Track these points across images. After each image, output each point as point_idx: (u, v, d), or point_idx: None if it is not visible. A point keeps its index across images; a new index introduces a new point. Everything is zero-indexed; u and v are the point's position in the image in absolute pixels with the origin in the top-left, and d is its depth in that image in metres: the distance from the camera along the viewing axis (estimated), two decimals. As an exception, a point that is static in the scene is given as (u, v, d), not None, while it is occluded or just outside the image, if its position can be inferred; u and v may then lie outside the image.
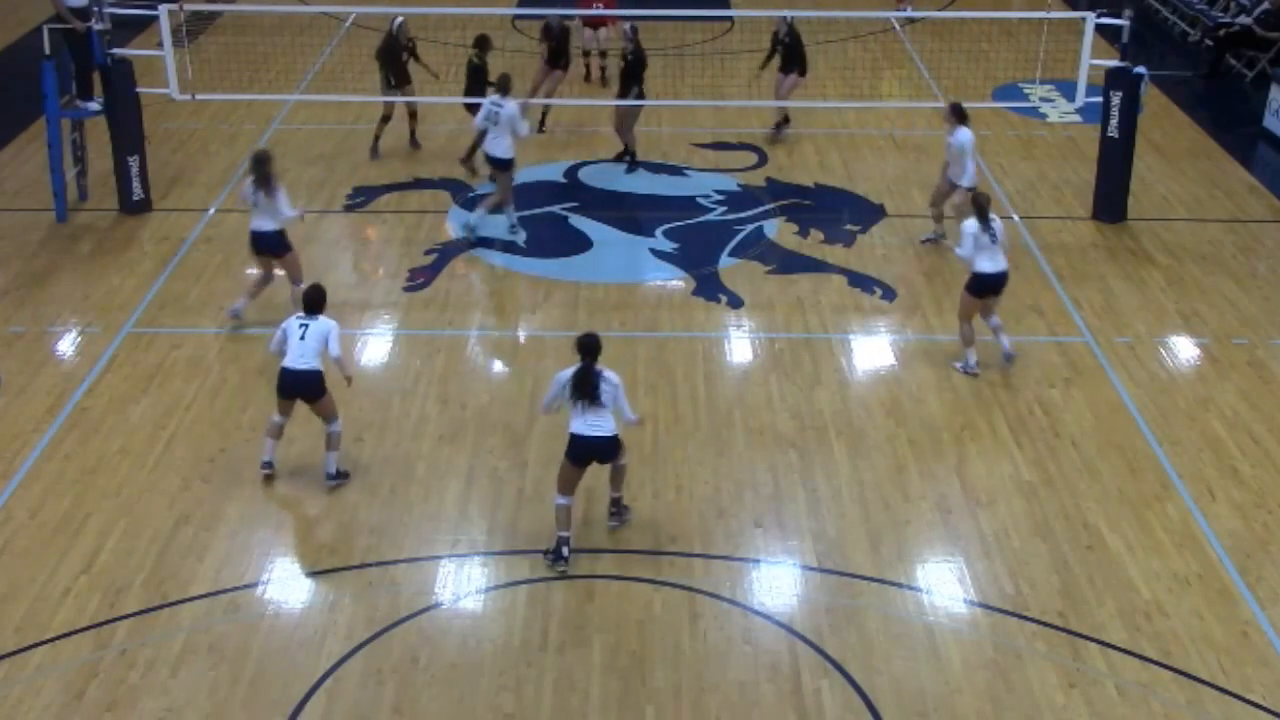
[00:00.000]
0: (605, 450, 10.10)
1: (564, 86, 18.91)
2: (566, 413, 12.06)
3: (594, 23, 20.23)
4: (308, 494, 11.08)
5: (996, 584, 10.10)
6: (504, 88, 15.27)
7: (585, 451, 10.06)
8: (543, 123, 18.63)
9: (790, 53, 18.18)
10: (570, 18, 19.23)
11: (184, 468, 11.39)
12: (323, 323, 11.02)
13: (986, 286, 12.66)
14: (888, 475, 11.39)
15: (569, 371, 10.04)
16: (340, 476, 11.18)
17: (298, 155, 17.84)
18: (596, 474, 11.27)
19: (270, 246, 13.37)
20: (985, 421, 12.14)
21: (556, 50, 18.43)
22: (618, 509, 10.66)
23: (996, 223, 12.54)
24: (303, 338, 10.96)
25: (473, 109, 16.41)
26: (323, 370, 11.02)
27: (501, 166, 15.22)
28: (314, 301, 11.14)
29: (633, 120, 17.31)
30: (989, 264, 12.55)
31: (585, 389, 9.91)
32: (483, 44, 17.16)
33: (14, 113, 18.60)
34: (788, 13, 18.24)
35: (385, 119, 17.59)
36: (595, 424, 9.98)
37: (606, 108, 18.10)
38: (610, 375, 10.04)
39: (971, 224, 12.51)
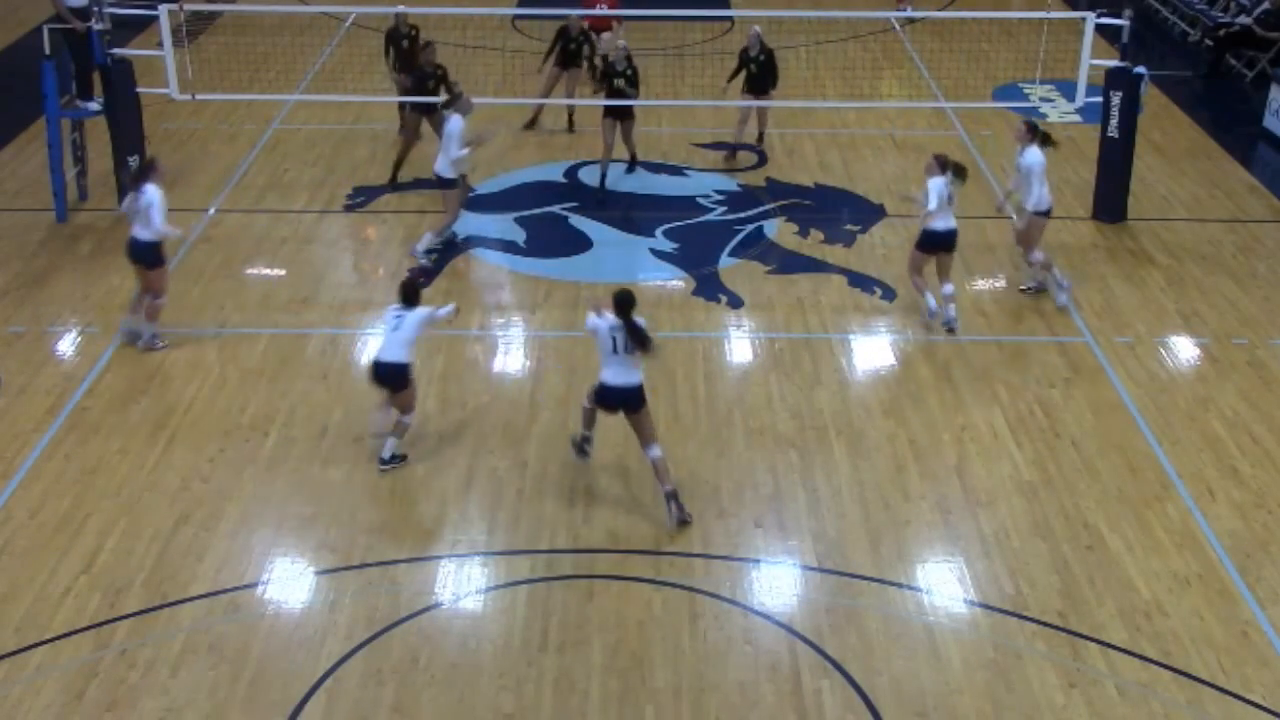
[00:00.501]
0: (633, 399, 10.66)
1: (564, 87, 18.87)
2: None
3: (599, 25, 20.21)
4: (308, 494, 11.08)
5: (996, 584, 10.10)
6: (451, 102, 14.94)
7: (616, 400, 10.71)
8: (571, 123, 18.76)
9: (764, 71, 17.31)
10: (581, 17, 19.18)
11: (184, 468, 11.39)
12: (417, 313, 11.24)
13: (937, 243, 13.31)
14: (888, 475, 11.39)
15: (606, 326, 10.55)
16: (395, 460, 11.32)
17: (298, 155, 17.85)
18: (595, 474, 11.30)
19: (139, 256, 12.78)
20: (985, 421, 12.15)
21: (574, 52, 18.30)
22: (675, 502, 10.66)
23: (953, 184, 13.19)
24: (396, 329, 11.17)
25: (420, 108, 16.54)
26: (410, 363, 11.19)
27: (443, 185, 14.83)
28: (410, 293, 11.33)
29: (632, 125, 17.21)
30: (941, 222, 13.19)
31: (640, 340, 10.47)
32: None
33: (14, 113, 18.61)
34: (756, 27, 17.53)
35: (409, 144, 16.95)
36: (627, 374, 10.58)
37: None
38: (645, 324, 10.63)
39: (939, 181, 13.12)
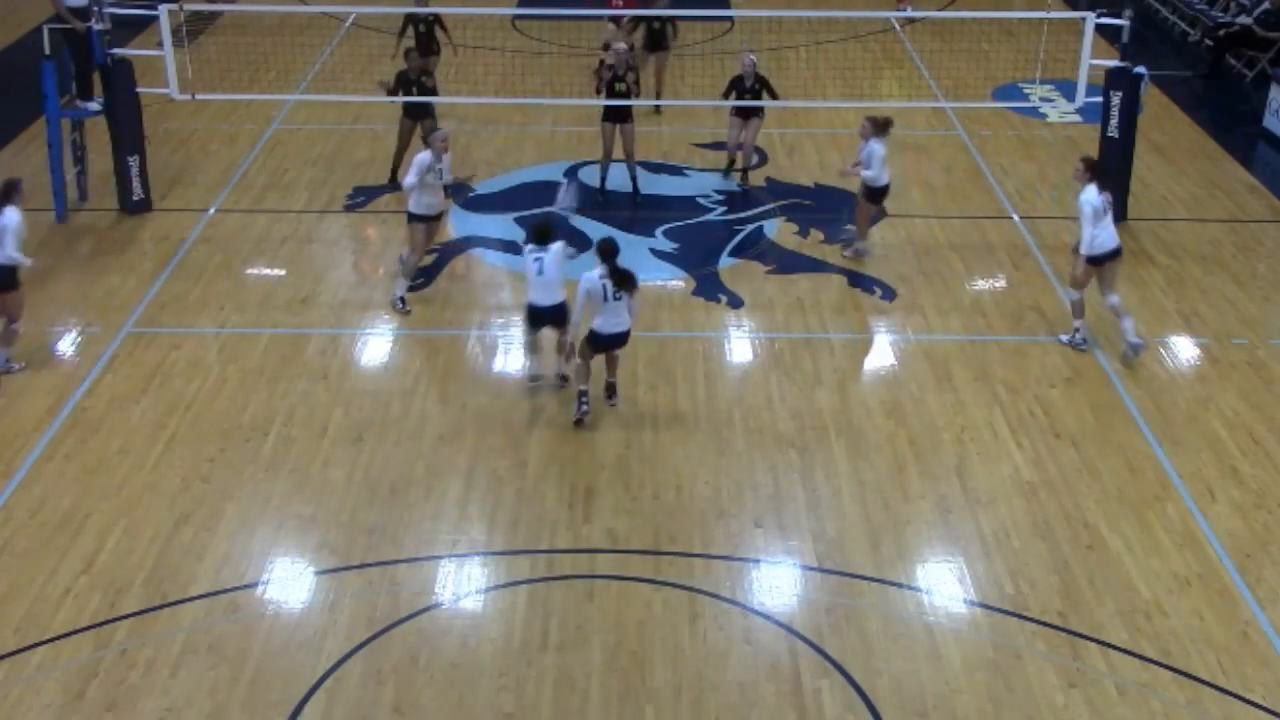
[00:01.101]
0: (624, 340, 11.80)
1: (565, 86, 18.91)
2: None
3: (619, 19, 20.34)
4: (308, 494, 11.08)
5: (996, 584, 10.10)
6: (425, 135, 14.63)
7: (608, 343, 11.75)
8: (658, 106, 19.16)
9: (757, 98, 16.72)
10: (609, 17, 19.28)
11: (184, 468, 11.39)
12: (553, 250, 11.92)
13: (884, 196, 14.82)
14: (888, 475, 11.39)
15: (595, 274, 11.41)
16: (586, 406, 12.00)
17: (298, 155, 17.85)
18: (594, 474, 11.30)
19: None
20: (985, 421, 12.15)
21: (659, 33, 18.74)
22: (612, 392, 12.17)
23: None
24: (540, 272, 11.87)
25: (410, 111, 16.38)
26: (566, 299, 11.93)
27: (410, 218, 14.05)
28: (544, 232, 11.99)
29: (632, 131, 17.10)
30: (883, 179, 14.65)
31: (627, 280, 11.45)
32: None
33: (14, 113, 18.60)
34: (750, 55, 16.90)
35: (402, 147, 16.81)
36: (616, 321, 11.58)
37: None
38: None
39: (878, 145, 14.38)
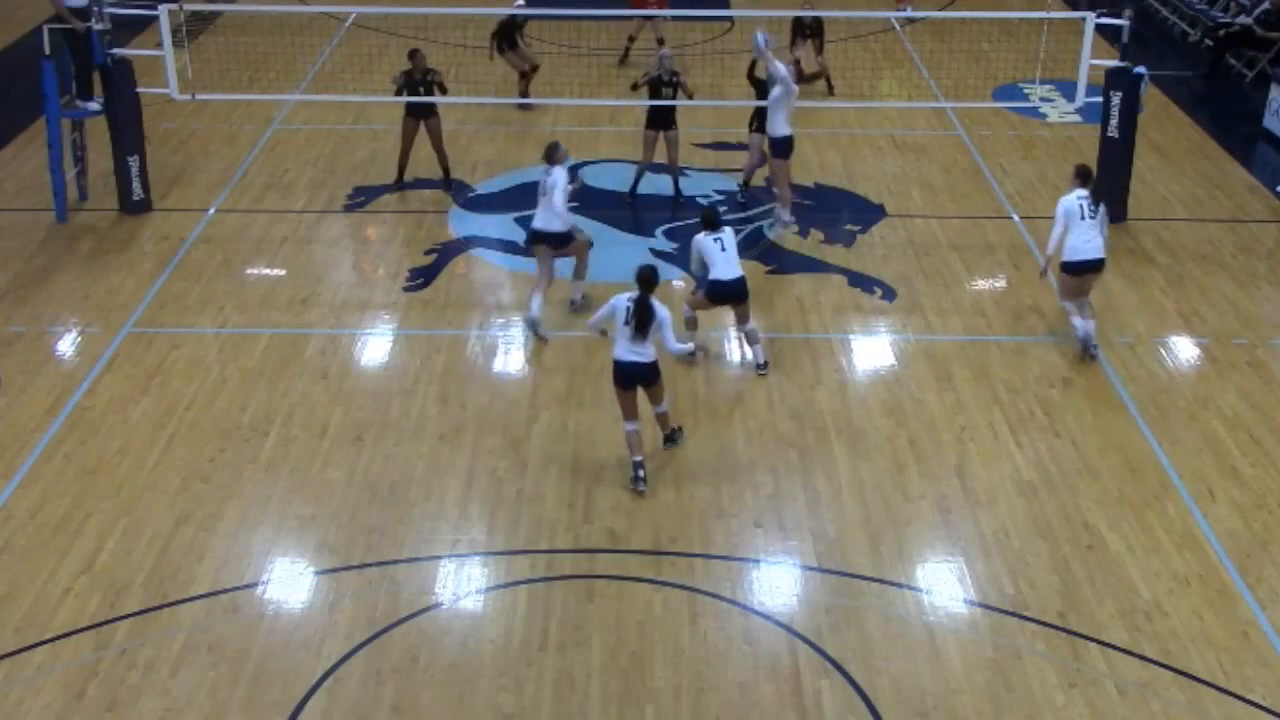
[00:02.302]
0: (647, 375, 11.08)
1: (567, 87, 18.91)
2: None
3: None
4: (308, 494, 11.08)
5: (996, 584, 10.10)
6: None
7: (629, 376, 11.06)
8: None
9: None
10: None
11: (184, 468, 11.39)
12: (727, 231, 12.69)
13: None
14: (888, 475, 11.39)
15: (625, 298, 11.00)
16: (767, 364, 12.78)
17: (298, 155, 17.85)
18: (595, 474, 11.30)
19: None
20: (985, 421, 12.15)
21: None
22: (671, 438, 11.64)
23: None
24: (724, 249, 12.57)
25: (413, 110, 16.31)
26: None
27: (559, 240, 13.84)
28: (712, 218, 12.75)
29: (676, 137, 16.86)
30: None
31: (642, 318, 10.89)
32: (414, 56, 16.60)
33: (14, 113, 18.60)
34: (760, 24, 17.00)
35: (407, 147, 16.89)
36: (639, 351, 10.97)
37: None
38: (662, 309, 10.98)
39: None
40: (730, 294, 12.65)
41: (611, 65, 21.14)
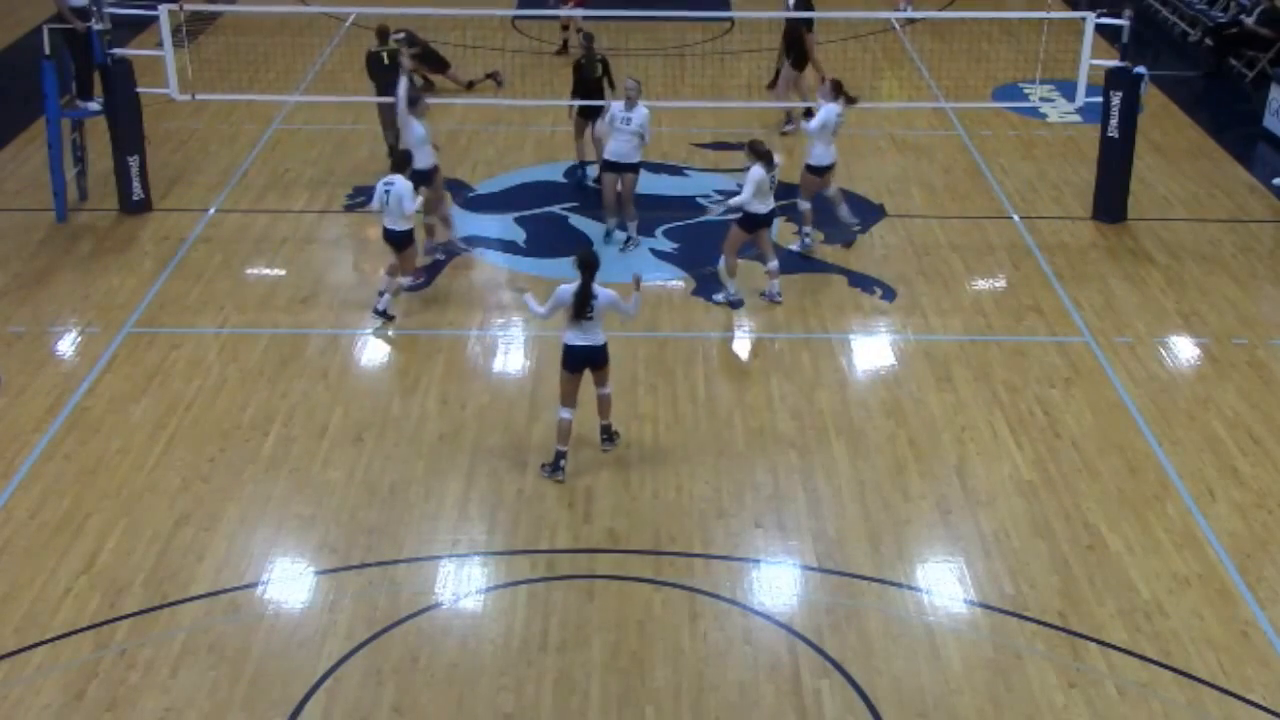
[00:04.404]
0: (595, 357, 11.22)
1: (565, 87, 18.81)
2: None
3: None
4: (308, 494, 11.08)
5: (996, 584, 10.10)
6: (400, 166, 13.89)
7: (578, 359, 11.19)
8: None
9: (601, 88, 16.55)
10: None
11: (184, 468, 11.39)
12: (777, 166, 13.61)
13: (759, 223, 13.76)
14: (888, 475, 11.39)
15: (570, 288, 11.03)
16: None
17: (298, 155, 17.85)
18: (595, 474, 11.30)
19: None
20: (985, 421, 12.15)
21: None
22: (608, 435, 11.64)
23: (775, 170, 13.76)
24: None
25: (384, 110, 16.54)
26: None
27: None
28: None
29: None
30: (762, 206, 13.63)
31: (580, 306, 10.98)
32: (383, 35, 17.09)
33: (14, 113, 18.60)
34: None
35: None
36: (587, 335, 11.12)
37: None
38: (603, 292, 11.06)
39: (758, 171, 13.42)
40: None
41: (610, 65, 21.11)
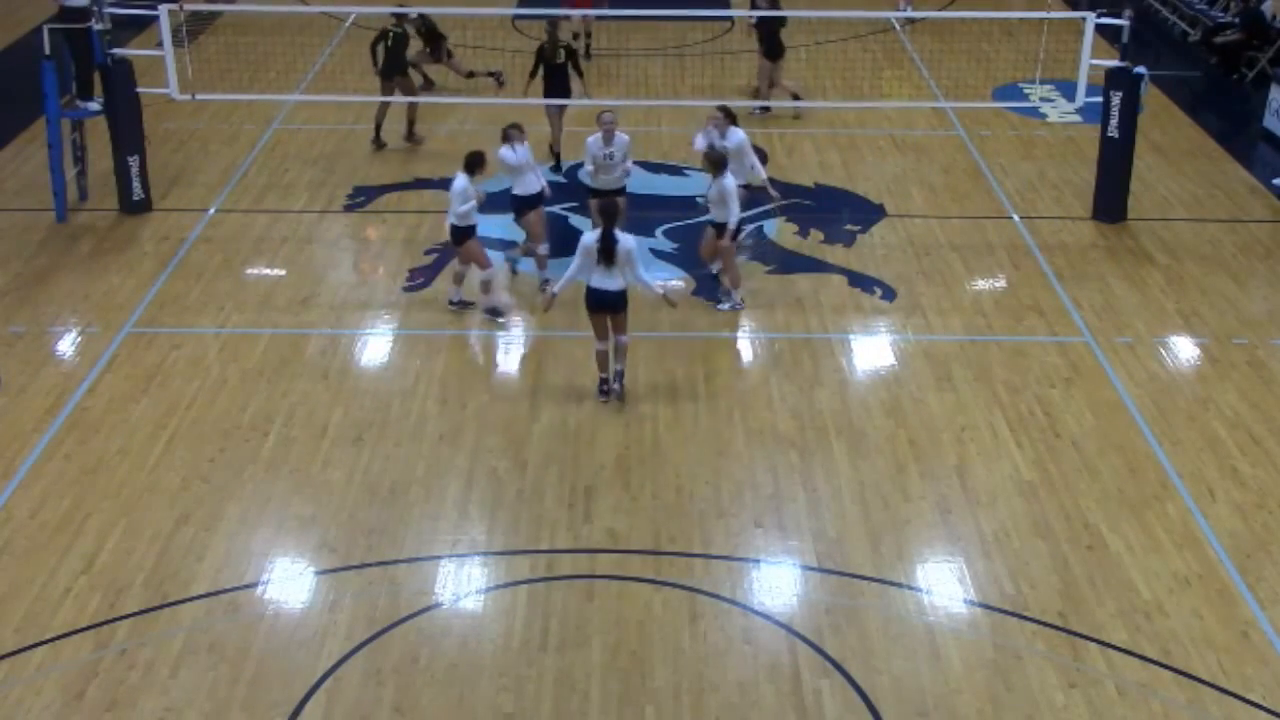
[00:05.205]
0: (614, 302, 12.01)
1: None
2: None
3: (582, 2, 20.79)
4: (308, 494, 11.08)
5: (996, 584, 10.10)
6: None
7: (598, 302, 12.03)
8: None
9: (566, 76, 17.10)
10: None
11: (184, 468, 11.39)
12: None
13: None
14: (888, 475, 11.39)
15: (593, 234, 11.94)
16: None
17: (298, 155, 17.85)
18: (594, 474, 11.30)
19: None
20: (985, 421, 12.15)
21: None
22: (618, 380, 12.32)
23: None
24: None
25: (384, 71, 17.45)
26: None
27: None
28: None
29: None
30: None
31: (605, 249, 11.76)
32: (400, 17, 17.80)
33: (14, 113, 18.60)
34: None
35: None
36: (607, 280, 11.89)
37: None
38: (624, 237, 11.85)
39: (731, 182, 13.34)
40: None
41: (610, 65, 21.13)
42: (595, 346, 12.30)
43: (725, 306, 13.97)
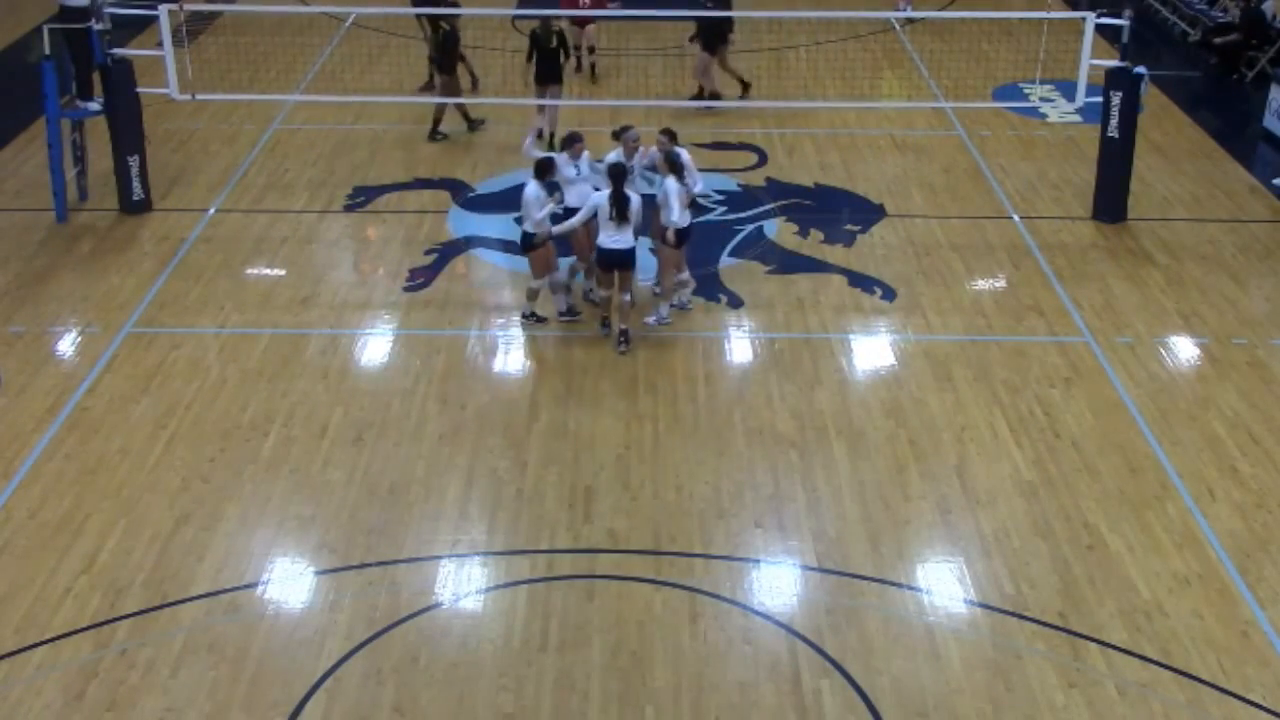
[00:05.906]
0: (626, 259, 12.87)
1: (564, 86, 18.87)
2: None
3: (581, 21, 20.55)
4: (308, 494, 11.08)
5: (996, 584, 10.10)
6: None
7: (611, 259, 12.89)
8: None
9: (557, 58, 17.66)
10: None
11: (184, 468, 11.39)
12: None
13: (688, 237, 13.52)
14: (888, 475, 11.39)
15: (603, 195, 12.76)
16: None
17: (298, 155, 17.85)
18: (595, 474, 11.30)
19: None
20: (985, 421, 12.15)
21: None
22: (625, 338, 13.04)
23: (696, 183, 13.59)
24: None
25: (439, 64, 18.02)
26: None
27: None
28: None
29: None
30: (688, 218, 13.38)
31: (620, 206, 12.63)
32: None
33: (14, 113, 18.60)
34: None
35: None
36: (618, 239, 12.76)
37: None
38: (634, 196, 12.85)
39: (673, 183, 13.04)
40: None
41: (610, 65, 21.15)
42: (600, 293, 13.22)
43: (651, 320, 13.50)
